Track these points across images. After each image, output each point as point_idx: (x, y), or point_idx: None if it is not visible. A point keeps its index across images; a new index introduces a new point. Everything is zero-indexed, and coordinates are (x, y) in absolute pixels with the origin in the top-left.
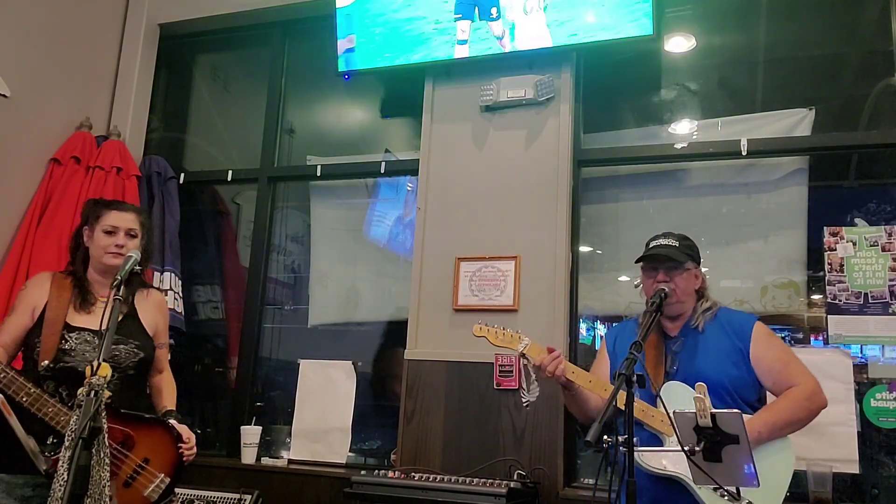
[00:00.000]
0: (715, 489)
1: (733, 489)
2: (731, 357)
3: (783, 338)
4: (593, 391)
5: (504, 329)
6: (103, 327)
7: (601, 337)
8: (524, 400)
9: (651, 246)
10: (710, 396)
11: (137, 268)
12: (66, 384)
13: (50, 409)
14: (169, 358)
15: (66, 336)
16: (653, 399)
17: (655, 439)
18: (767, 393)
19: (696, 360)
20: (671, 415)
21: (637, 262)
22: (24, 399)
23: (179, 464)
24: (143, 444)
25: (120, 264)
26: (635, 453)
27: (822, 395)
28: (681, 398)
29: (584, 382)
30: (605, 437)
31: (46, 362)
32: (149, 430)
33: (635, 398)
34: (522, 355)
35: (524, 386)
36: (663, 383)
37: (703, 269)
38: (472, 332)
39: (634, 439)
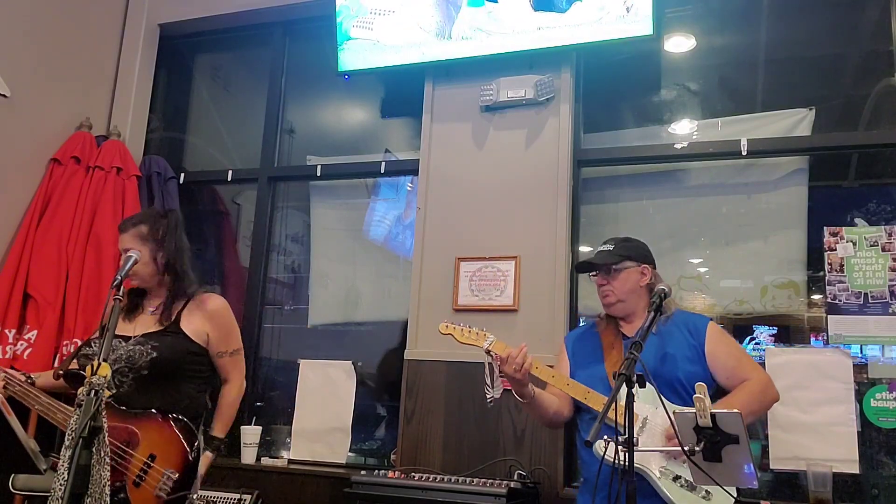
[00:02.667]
0: (674, 479)
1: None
2: (687, 354)
3: (782, 338)
4: (556, 385)
5: (469, 327)
6: (136, 333)
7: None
8: (488, 397)
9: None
10: (667, 392)
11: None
12: (76, 386)
13: (59, 416)
14: (241, 368)
15: (94, 342)
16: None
17: (612, 431)
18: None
19: (652, 360)
20: (671, 416)
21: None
22: (38, 408)
23: (190, 459)
24: (147, 440)
25: (141, 285)
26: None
27: (774, 388)
28: (639, 393)
29: (547, 377)
30: (605, 437)
31: (56, 367)
32: (153, 426)
33: (599, 394)
34: (488, 352)
35: (488, 382)
36: None
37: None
38: (438, 331)
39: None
